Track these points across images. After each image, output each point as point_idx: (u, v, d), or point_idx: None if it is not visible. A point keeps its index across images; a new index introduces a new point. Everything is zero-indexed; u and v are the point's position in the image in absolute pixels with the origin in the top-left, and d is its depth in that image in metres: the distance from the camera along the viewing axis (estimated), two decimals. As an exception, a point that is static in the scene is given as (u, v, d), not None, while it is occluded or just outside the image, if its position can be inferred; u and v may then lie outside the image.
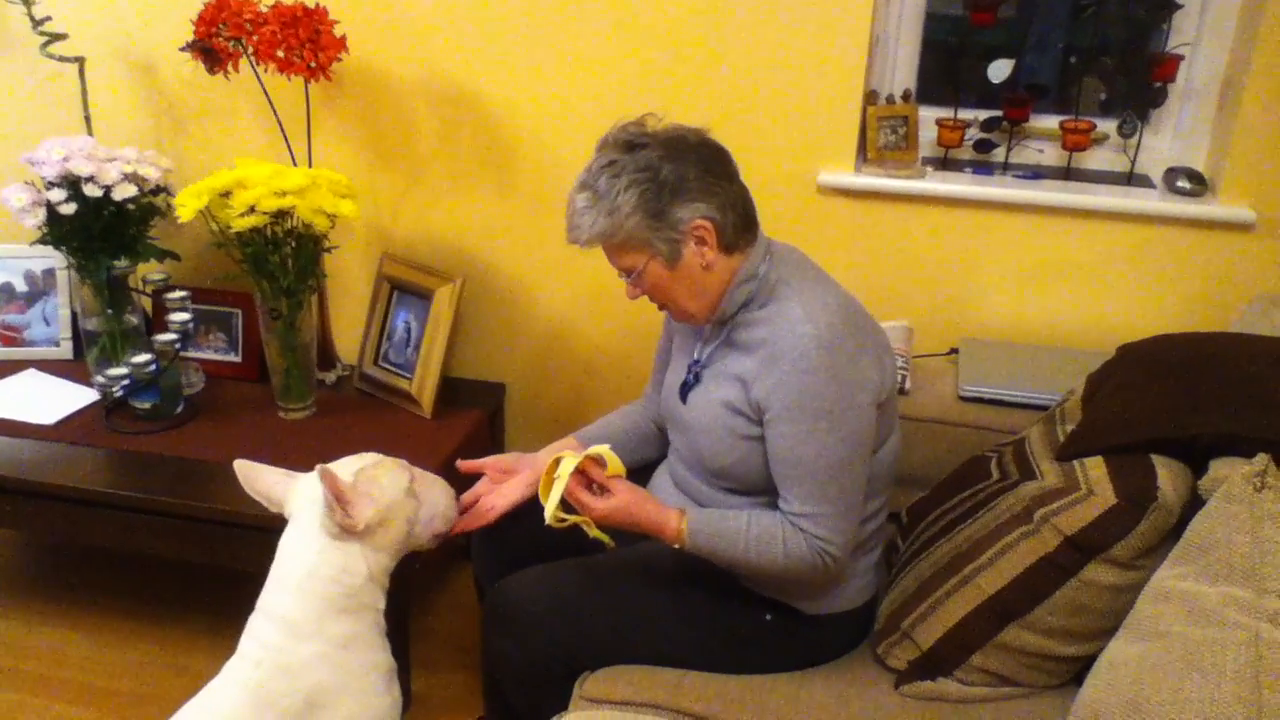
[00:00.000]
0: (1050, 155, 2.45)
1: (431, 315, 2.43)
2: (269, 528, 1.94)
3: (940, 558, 1.72)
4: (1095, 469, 1.56)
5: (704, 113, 2.31)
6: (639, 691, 1.66)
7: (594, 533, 1.67)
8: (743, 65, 2.32)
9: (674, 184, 1.55)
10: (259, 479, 1.61)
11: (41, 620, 2.56)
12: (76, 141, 2.37)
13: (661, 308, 1.71)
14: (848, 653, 1.78)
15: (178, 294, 2.39)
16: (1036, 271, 2.36)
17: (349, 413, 2.49)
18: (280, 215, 2.21)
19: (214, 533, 2.14)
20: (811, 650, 1.76)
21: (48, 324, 2.73)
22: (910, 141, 2.39)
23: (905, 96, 2.40)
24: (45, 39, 2.52)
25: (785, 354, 1.57)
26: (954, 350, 2.36)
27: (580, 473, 1.62)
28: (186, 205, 2.17)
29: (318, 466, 1.53)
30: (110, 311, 2.48)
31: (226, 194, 2.19)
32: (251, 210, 2.15)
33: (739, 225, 1.61)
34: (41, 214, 2.35)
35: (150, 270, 2.57)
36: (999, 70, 2.38)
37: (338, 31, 2.28)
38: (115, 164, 2.37)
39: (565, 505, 1.62)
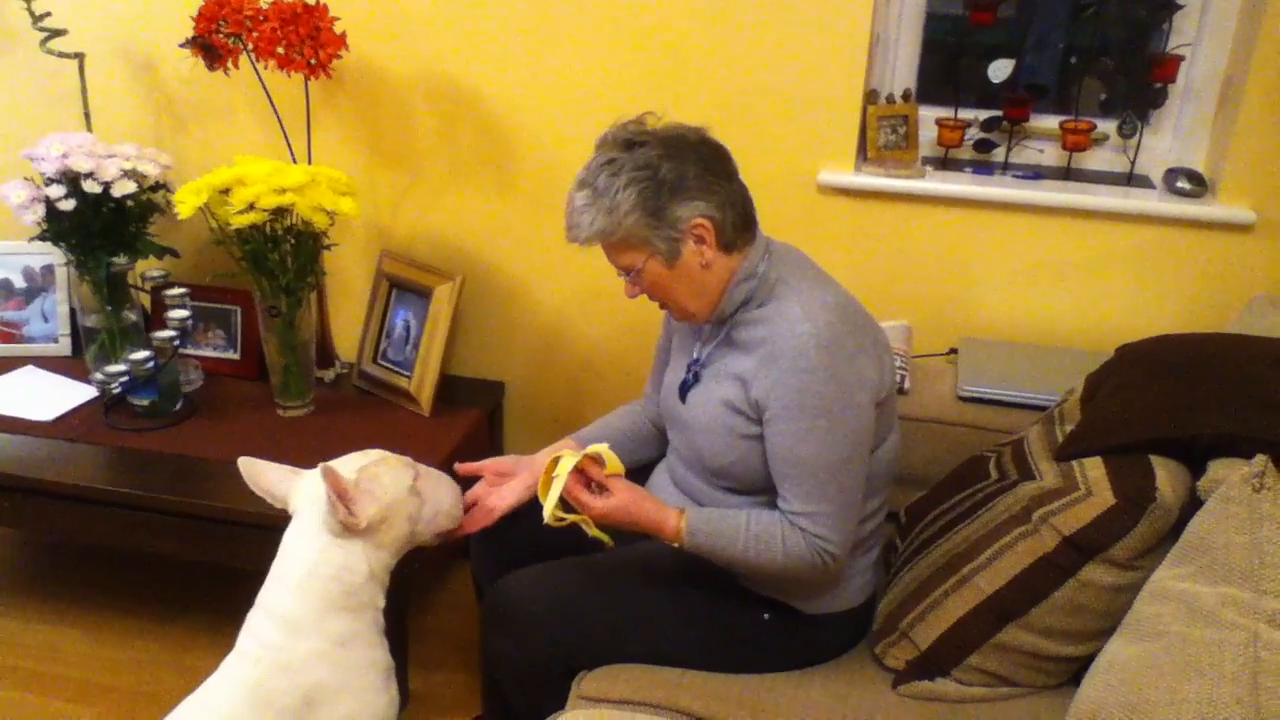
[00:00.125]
0: (1050, 155, 2.45)
1: (430, 313, 2.43)
2: (267, 525, 1.95)
3: (939, 558, 1.72)
4: (1094, 469, 1.56)
5: (704, 111, 2.31)
6: (637, 691, 1.66)
7: (593, 532, 1.67)
8: (743, 64, 2.32)
9: (673, 182, 1.55)
10: (262, 476, 1.61)
11: (39, 617, 2.56)
12: (76, 138, 2.37)
13: (662, 306, 1.71)
14: (846, 652, 1.78)
15: (176, 291, 2.38)
16: (1036, 272, 2.36)
17: (348, 411, 2.49)
18: (279, 213, 2.21)
19: (212, 530, 2.14)
20: (810, 650, 1.76)
21: (46, 320, 2.73)
22: (910, 141, 2.38)
23: (905, 96, 2.40)
24: (45, 35, 2.51)
25: (784, 353, 1.57)
26: (953, 350, 2.36)
27: (579, 472, 1.62)
28: (186, 202, 2.17)
29: (320, 464, 1.53)
30: (109, 308, 2.47)
31: (226, 191, 2.19)
32: (251, 207, 2.15)
33: (738, 224, 1.61)
34: (40, 210, 2.35)
35: (149, 267, 2.57)
36: (999, 70, 2.38)
37: (338, 29, 2.28)
38: (114, 160, 2.36)
39: (564, 504, 1.62)
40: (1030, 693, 1.64)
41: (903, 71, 2.43)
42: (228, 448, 2.28)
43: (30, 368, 2.64)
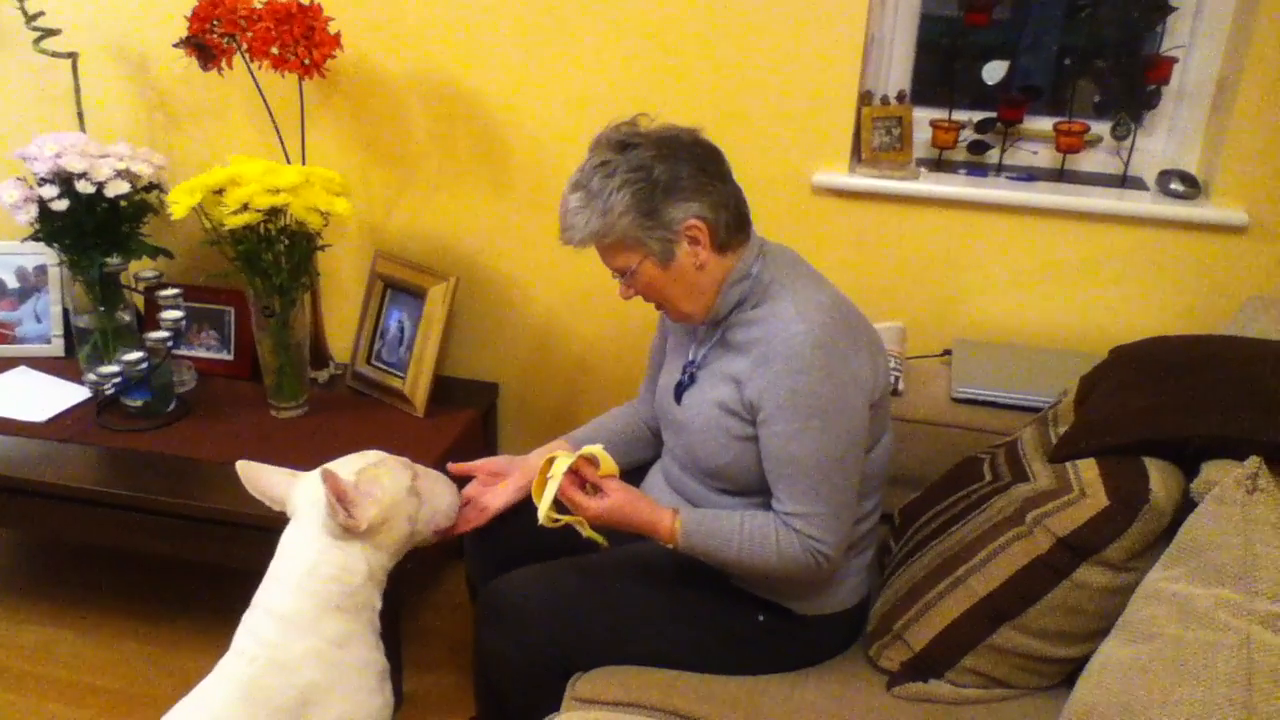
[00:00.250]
0: (1044, 157, 2.45)
1: (425, 314, 2.43)
2: (261, 526, 1.95)
3: (933, 559, 1.72)
4: (1087, 471, 1.56)
5: (698, 112, 2.31)
6: (631, 692, 1.66)
7: (587, 533, 1.67)
8: (737, 65, 2.32)
9: (667, 183, 1.55)
10: (262, 479, 1.61)
11: (32, 618, 2.55)
12: (69, 138, 2.36)
13: (658, 307, 1.71)
14: (840, 654, 1.78)
15: (170, 291, 2.38)
16: (1030, 273, 2.36)
17: (341, 412, 2.48)
18: (273, 213, 2.21)
19: (205, 531, 2.14)
20: (804, 651, 1.76)
21: (39, 321, 2.72)
22: (904, 142, 2.39)
23: (900, 97, 2.40)
24: (38, 34, 2.51)
25: (778, 353, 1.57)
26: (947, 351, 2.36)
27: (574, 473, 1.62)
28: (179, 202, 2.17)
29: (320, 468, 1.53)
30: (102, 309, 2.47)
31: (220, 191, 2.19)
32: (245, 208, 2.15)
33: (732, 225, 1.61)
34: (33, 210, 2.35)
35: (143, 267, 2.57)
36: (993, 72, 2.39)
37: (332, 29, 2.28)
38: (108, 160, 2.36)
39: (559, 505, 1.62)
40: (1024, 694, 1.64)
41: (897, 73, 2.43)
42: (221, 449, 2.27)
43: (23, 368, 2.63)
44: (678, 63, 2.35)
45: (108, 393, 2.40)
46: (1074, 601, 1.53)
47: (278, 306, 2.32)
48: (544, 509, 1.60)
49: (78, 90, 2.60)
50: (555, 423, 2.71)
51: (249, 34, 2.24)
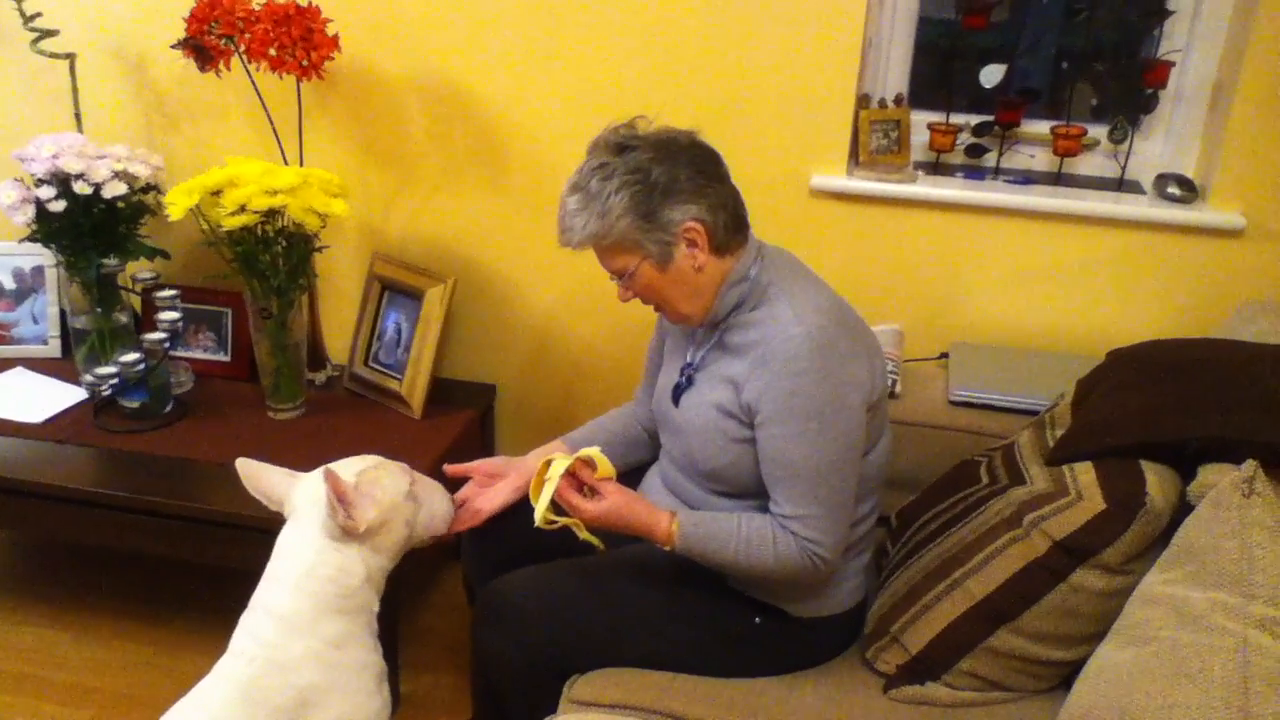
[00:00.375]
0: (1041, 160, 2.46)
1: (422, 316, 2.43)
2: (259, 527, 1.95)
3: (930, 562, 1.72)
4: (1084, 474, 1.57)
5: (696, 115, 2.31)
6: (628, 694, 1.66)
7: (584, 535, 1.67)
8: (735, 67, 2.32)
9: (665, 185, 1.56)
10: (261, 478, 1.61)
11: (29, 619, 2.54)
12: (66, 138, 2.36)
13: (656, 309, 1.71)
14: (837, 656, 1.78)
15: (167, 293, 2.38)
16: (1027, 276, 2.36)
17: (339, 413, 2.48)
18: (271, 214, 2.21)
19: (202, 532, 2.13)
20: (801, 653, 1.76)
21: (36, 322, 2.72)
22: (902, 145, 2.39)
23: (897, 100, 2.40)
24: (36, 35, 2.51)
25: (776, 355, 1.57)
26: (944, 354, 2.36)
27: (571, 475, 1.62)
28: (177, 203, 2.17)
29: (322, 467, 1.53)
30: (99, 310, 2.47)
31: (217, 192, 2.19)
32: (242, 209, 2.15)
33: (730, 227, 1.62)
34: (31, 211, 2.34)
35: (140, 268, 2.56)
36: (991, 75, 2.39)
37: (330, 30, 2.28)
38: (105, 161, 2.36)
39: (556, 507, 1.62)
40: (1021, 697, 1.65)
41: (895, 76, 2.43)
42: (218, 450, 2.27)
43: (20, 369, 2.63)
44: (676, 66, 2.35)
45: (105, 394, 2.40)
46: (1071, 604, 1.53)
47: (275, 308, 2.32)
48: (541, 511, 1.60)
49: (75, 91, 2.59)
50: (553, 424, 2.71)
51: (247, 35, 2.24)
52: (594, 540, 1.68)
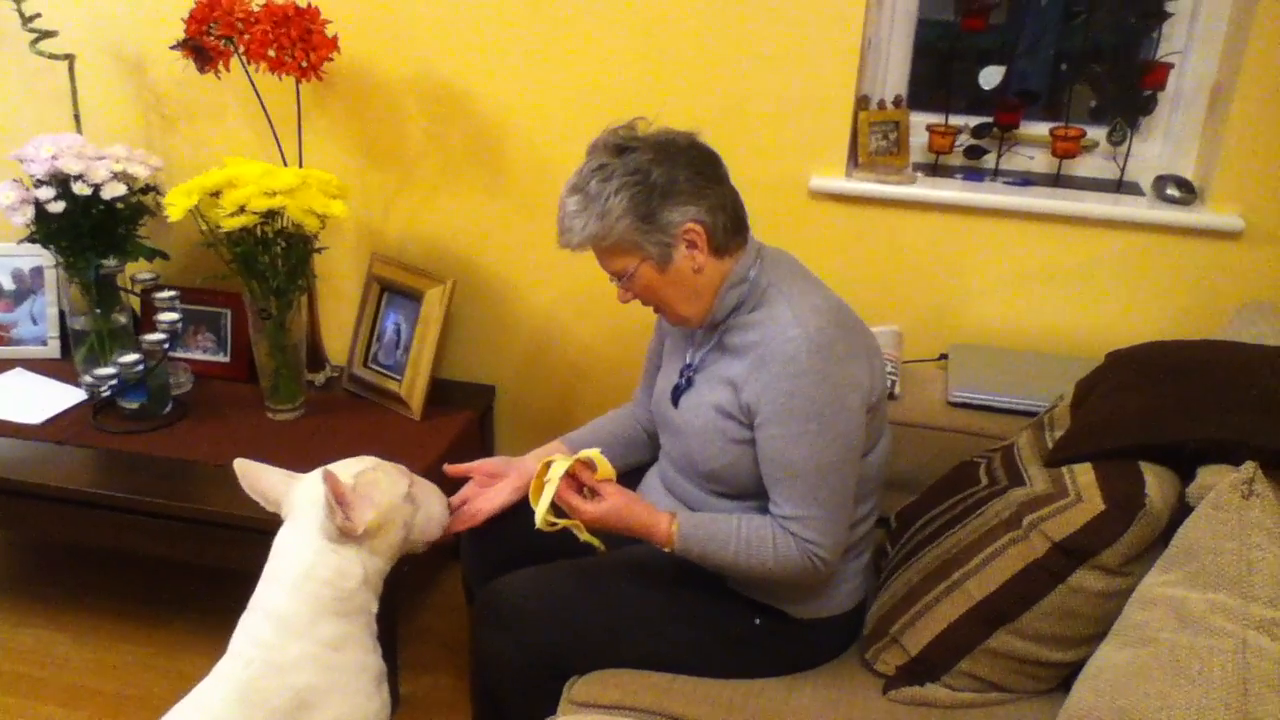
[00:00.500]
0: (1040, 162, 2.46)
1: (421, 317, 2.43)
2: (257, 528, 1.95)
3: (929, 563, 1.72)
4: (1084, 475, 1.57)
5: (695, 116, 2.31)
6: (627, 695, 1.66)
7: (584, 536, 1.67)
8: (735, 69, 2.33)
9: (664, 187, 1.56)
10: (259, 478, 1.61)
11: (28, 620, 2.54)
12: (65, 139, 2.36)
13: (656, 311, 1.71)
14: (837, 657, 1.78)
15: (166, 293, 2.38)
16: (1026, 278, 2.37)
17: (338, 414, 2.48)
18: (270, 215, 2.21)
19: (202, 533, 2.13)
20: (801, 654, 1.76)
21: (35, 323, 2.72)
22: (901, 147, 2.39)
23: (896, 102, 2.40)
24: (35, 36, 2.51)
25: (775, 357, 1.57)
26: (944, 355, 2.36)
27: (570, 476, 1.62)
28: (176, 204, 2.17)
29: (321, 468, 1.53)
30: (98, 311, 2.47)
31: (216, 193, 2.19)
32: (241, 210, 2.15)
33: (729, 228, 1.62)
34: (30, 212, 2.34)
35: (139, 269, 2.56)
36: (990, 76, 2.39)
37: (329, 31, 2.27)
38: (104, 162, 2.36)
39: (556, 509, 1.62)
40: (1020, 698, 1.65)
41: (894, 77, 2.43)
42: (217, 450, 2.27)
43: (19, 370, 2.63)
44: (675, 67, 2.35)
45: (104, 395, 2.40)
46: (1070, 606, 1.53)
47: (274, 309, 2.32)
48: (541, 512, 1.60)
49: (74, 92, 2.59)
50: (552, 425, 2.71)
51: (246, 36, 2.24)
52: (594, 541, 1.68)
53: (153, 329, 2.37)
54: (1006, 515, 1.63)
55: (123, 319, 2.52)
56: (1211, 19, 2.24)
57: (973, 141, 2.45)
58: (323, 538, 1.53)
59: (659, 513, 1.65)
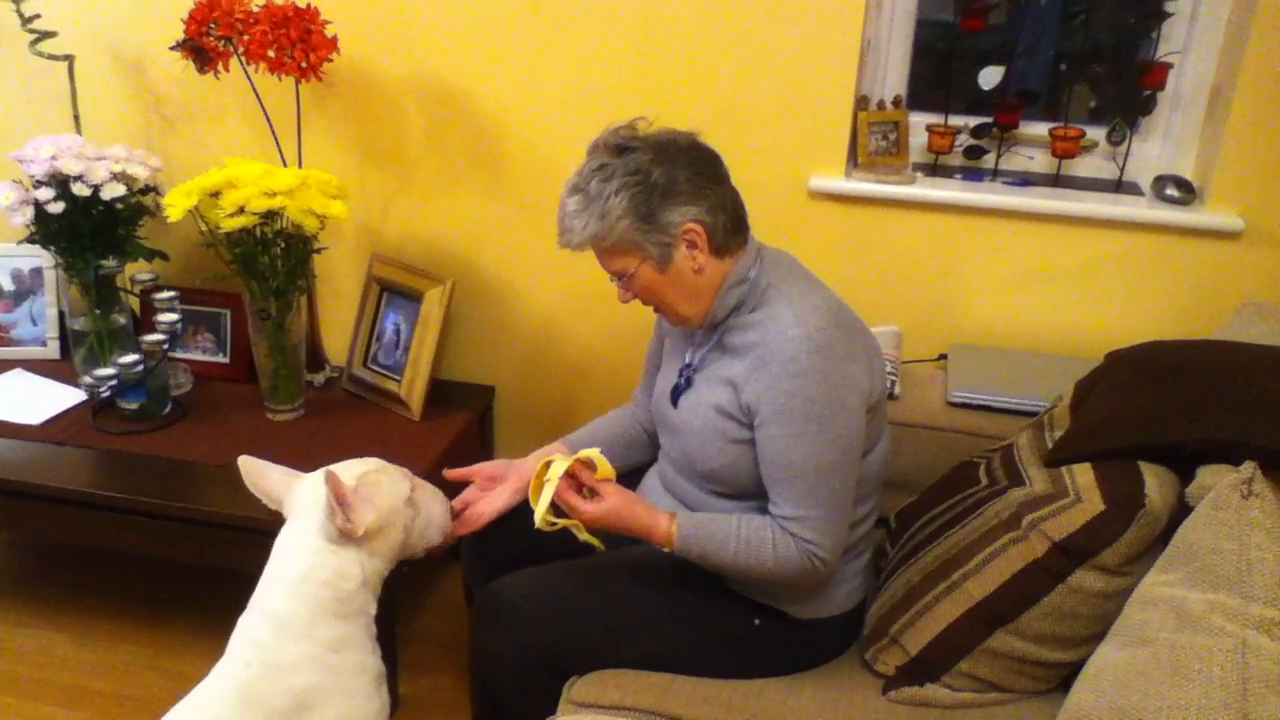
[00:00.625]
0: (1040, 162, 2.46)
1: (421, 317, 2.43)
2: (256, 529, 1.95)
3: (929, 563, 1.72)
4: (1083, 475, 1.57)
5: (695, 116, 2.31)
6: (627, 696, 1.66)
7: (584, 536, 1.67)
8: (734, 69, 2.33)
9: (665, 187, 1.56)
10: (263, 476, 1.61)
11: (27, 621, 2.54)
12: (65, 140, 2.36)
13: (656, 311, 1.71)
14: (836, 658, 1.78)
15: (166, 294, 2.38)
16: (1026, 278, 2.37)
17: (337, 414, 2.48)
18: (270, 216, 2.21)
19: (200, 533, 2.13)
20: (800, 654, 1.76)
21: (35, 323, 2.72)
22: (901, 147, 2.39)
23: (896, 102, 2.40)
24: (34, 36, 2.50)
25: (775, 357, 1.57)
26: (943, 356, 2.36)
27: (570, 476, 1.62)
28: (176, 205, 2.17)
29: (323, 469, 1.53)
30: (98, 311, 2.47)
31: (216, 194, 2.18)
32: (241, 210, 2.15)
33: (730, 228, 1.62)
34: (29, 212, 2.34)
35: (139, 270, 2.56)
36: (989, 77, 2.39)
37: (329, 32, 2.27)
38: (104, 163, 2.36)
39: (555, 509, 1.62)
40: (1020, 698, 1.65)
41: (893, 77, 2.44)
42: (217, 451, 2.27)
43: (18, 371, 2.63)
44: (675, 67, 2.36)
45: (103, 395, 2.40)
46: (1070, 606, 1.53)
47: (274, 309, 2.32)
48: (540, 512, 1.60)
49: (74, 92, 2.59)
50: (552, 425, 2.71)
51: (246, 37, 2.24)
52: (594, 541, 1.69)
53: (152, 329, 2.37)
54: (1006, 515, 1.63)
55: (122, 319, 2.52)
56: (1211, 19, 2.24)
57: (972, 142, 2.45)
58: (322, 538, 1.53)
59: (658, 513, 1.65)
